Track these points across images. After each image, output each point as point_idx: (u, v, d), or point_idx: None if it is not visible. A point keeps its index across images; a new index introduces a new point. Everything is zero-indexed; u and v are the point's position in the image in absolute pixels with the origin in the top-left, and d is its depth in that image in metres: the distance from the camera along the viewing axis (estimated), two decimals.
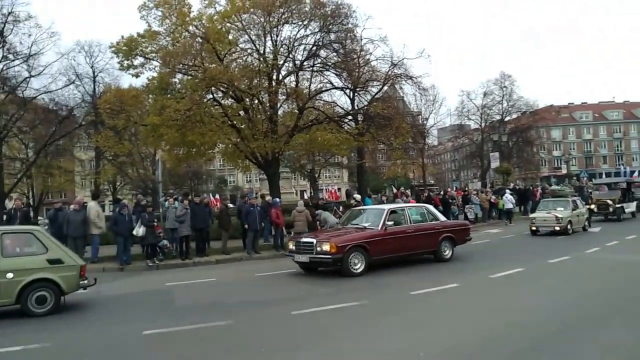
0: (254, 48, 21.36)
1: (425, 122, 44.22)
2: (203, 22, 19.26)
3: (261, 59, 20.83)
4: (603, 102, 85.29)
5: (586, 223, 19.03)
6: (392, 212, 11.73)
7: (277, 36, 21.56)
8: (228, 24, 19.98)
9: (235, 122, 20.33)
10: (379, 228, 11.09)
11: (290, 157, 33.95)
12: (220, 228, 15.43)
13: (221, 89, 19.68)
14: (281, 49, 21.70)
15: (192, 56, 18.74)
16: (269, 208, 15.73)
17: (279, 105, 22.12)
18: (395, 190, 25.95)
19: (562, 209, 18.05)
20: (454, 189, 38.91)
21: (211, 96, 20.23)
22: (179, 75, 20.07)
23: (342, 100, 28.46)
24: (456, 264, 12.02)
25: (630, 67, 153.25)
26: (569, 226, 17.41)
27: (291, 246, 11.51)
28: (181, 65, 18.96)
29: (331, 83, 24.95)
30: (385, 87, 26.16)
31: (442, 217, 13.30)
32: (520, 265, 10.94)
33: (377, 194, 27.67)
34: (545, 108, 63.63)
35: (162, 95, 19.25)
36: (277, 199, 17.23)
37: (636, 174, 52.84)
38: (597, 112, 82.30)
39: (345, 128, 24.08)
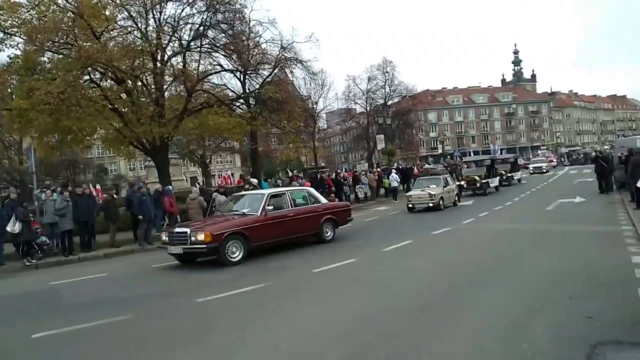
0: (135, 26, 19.94)
1: (315, 105, 45.17)
2: None
3: (144, 38, 19.51)
4: (471, 86, 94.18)
5: (456, 198, 20.37)
6: (272, 196, 11.57)
7: (160, 14, 20.34)
8: None
9: (117, 106, 18.85)
10: (259, 214, 10.86)
11: (179, 142, 32.56)
12: (106, 220, 14.36)
13: (99, 69, 18.11)
14: (165, 28, 20.53)
15: (64, 33, 16.98)
16: (161, 196, 14.98)
17: (165, 87, 20.97)
18: (290, 174, 26.25)
19: (434, 186, 19.10)
20: (344, 170, 40.40)
21: (88, 77, 18.53)
22: (49, 54, 18.05)
23: (232, 82, 27.93)
24: (353, 240, 12.61)
25: (493, 55, 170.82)
26: (441, 202, 18.53)
27: (164, 237, 10.81)
28: (50, 42, 17.06)
29: (221, 65, 24.30)
30: (276, 71, 26.15)
31: (323, 200, 13.40)
32: (409, 238, 11.82)
33: (271, 178, 27.76)
34: (422, 92, 68.56)
35: (30, 76, 17.15)
36: (170, 187, 16.49)
37: (499, 151, 59.72)
38: (466, 96, 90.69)
39: (238, 112, 23.67)
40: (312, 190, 13.75)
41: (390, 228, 14.97)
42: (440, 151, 66.06)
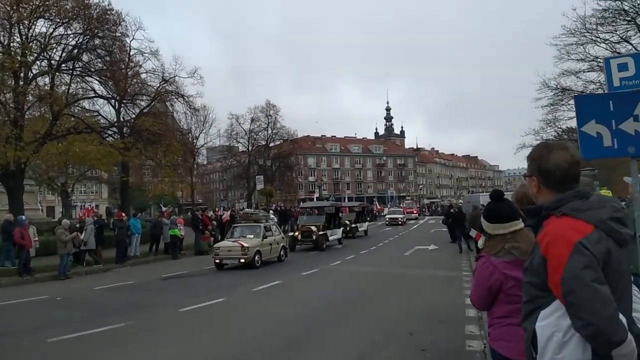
0: None
1: (195, 140, 44.51)
2: None
3: (5, 52, 17.93)
4: (348, 136, 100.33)
5: (282, 252, 16.56)
6: None
7: (28, 30, 18.98)
8: None
9: None
10: None
11: (37, 167, 29.55)
12: None
13: None
14: (32, 45, 19.14)
15: None
16: (12, 227, 13.49)
17: (27, 108, 19.30)
18: (163, 209, 25.25)
19: (251, 236, 15.34)
20: (222, 208, 39.82)
21: None
22: None
23: (106, 109, 26.57)
24: (224, 279, 12.66)
25: (368, 108, 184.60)
26: (257, 257, 14.71)
27: None
28: None
29: (94, 90, 23.17)
30: (156, 102, 25.59)
31: None
32: (279, 279, 12.26)
33: (142, 212, 26.42)
34: (303, 138, 71.43)
35: None
36: (23, 217, 14.89)
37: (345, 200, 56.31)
38: (343, 145, 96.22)
39: (109, 140, 22.50)
40: None
41: (262, 268, 15.16)
42: (317, 195, 68.59)
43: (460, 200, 51.36)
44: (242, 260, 14.46)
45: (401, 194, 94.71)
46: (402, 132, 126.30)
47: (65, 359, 6.08)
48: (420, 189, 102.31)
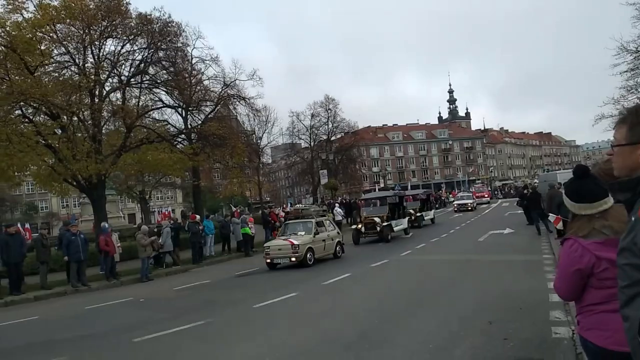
0: (72, 61, 19.65)
1: (259, 141, 45.53)
2: (7, 29, 16.98)
3: (81, 73, 19.20)
4: (410, 123, 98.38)
5: (338, 248, 15.68)
6: None
7: (99, 50, 20.20)
8: (39, 34, 17.97)
9: (51, 142, 18.24)
10: None
11: (117, 178, 31.60)
12: (37, 261, 13.68)
13: (32, 104, 17.54)
14: (104, 64, 20.36)
15: None
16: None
17: (103, 123, 20.60)
18: (234, 209, 26.07)
19: (302, 233, 14.65)
20: (289, 205, 40.48)
21: (20, 112, 17.88)
22: None
23: (174, 118, 27.83)
24: (295, 274, 12.81)
25: (430, 93, 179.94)
26: (309, 255, 14.02)
27: None
28: None
29: (162, 101, 24.28)
30: (219, 107, 26.40)
31: None
32: (348, 271, 12.20)
33: (215, 214, 27.45)
34: (364, 129, 70.85)
35: None
36: (106, 225, 15.97)
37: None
38: (405, 133, 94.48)
39: (179, 147, 23.52)
40: None
41: (330, 261, 15.21)
42: (382, 185, 67.86)
43: (535, 180, 48.63)
44: (293, 259, 13.81)
45: (470, 178, 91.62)
46: (467, 114, 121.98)
47: (150, 358, 6.37)
48: (491, 171, 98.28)
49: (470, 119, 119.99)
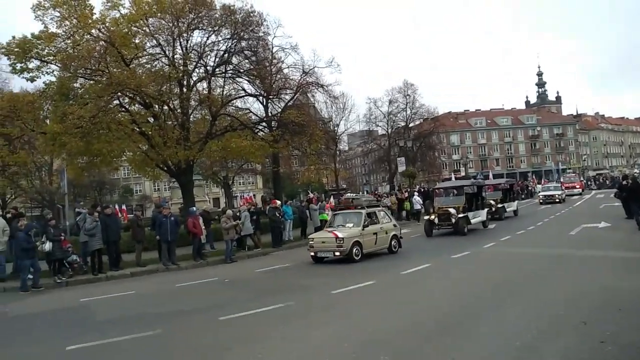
0: (163, 53, 20.84)
1: (336, 128, 45.76)
2: (107, 25, 18.37)
3: (171, 64, 20.34)
4: (494, 109, 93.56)
5: (394, 242, 14.43)
6: None
7: (187, 42, 21.22)
8: (134, 28, 19.26)
9: (144, 129, 19.61)
10: None
11: (203, 164, 33.33)
12: (132, 240, 14.84)
13: (128, 94, 18.90)
14: (191, 55, 21.38)
15: (96, 60, 17.82)
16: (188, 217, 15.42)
17: (191, 111, 21.73)
18: (310, 195, 26.48)
19: (351, 225, 13.61)
20: (365, 192, 40.35)
21: (117, 102, 19.35)
22: (81, 80, 18.97)
23: (255, 106, 28.66)
24: (371, 263, 12.75)
25: (516, 77, 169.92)
26: (355, 249, 12.87)
27: None
28: (83, 69, 17.96)
29: (244, 90, 25.05)
30: (298, 95, 26.77)
31: None
32: (427, 262, 11.92)
33: (293, 199, 28.06)
34: (444, 115, 68.59)
35: (63, 101, 18.06)
36: (194, 208, 16.93)
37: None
38: (489, 119, 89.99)
39: (260, 135, 24.24)
40: None
41: (409, 251, 14.94)
42: (463, 173, 65.49)
43: (636, 170, 44.32)
44: (337, 253, 12.86)
45: (561, 167, 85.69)
46: (558, 98, 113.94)
47: (235, 336, 6.66)
48: (584, 160, 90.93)
49: (561, 104, 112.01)
